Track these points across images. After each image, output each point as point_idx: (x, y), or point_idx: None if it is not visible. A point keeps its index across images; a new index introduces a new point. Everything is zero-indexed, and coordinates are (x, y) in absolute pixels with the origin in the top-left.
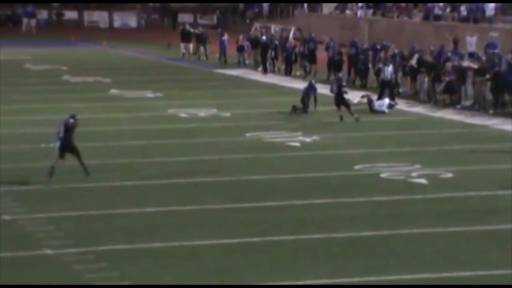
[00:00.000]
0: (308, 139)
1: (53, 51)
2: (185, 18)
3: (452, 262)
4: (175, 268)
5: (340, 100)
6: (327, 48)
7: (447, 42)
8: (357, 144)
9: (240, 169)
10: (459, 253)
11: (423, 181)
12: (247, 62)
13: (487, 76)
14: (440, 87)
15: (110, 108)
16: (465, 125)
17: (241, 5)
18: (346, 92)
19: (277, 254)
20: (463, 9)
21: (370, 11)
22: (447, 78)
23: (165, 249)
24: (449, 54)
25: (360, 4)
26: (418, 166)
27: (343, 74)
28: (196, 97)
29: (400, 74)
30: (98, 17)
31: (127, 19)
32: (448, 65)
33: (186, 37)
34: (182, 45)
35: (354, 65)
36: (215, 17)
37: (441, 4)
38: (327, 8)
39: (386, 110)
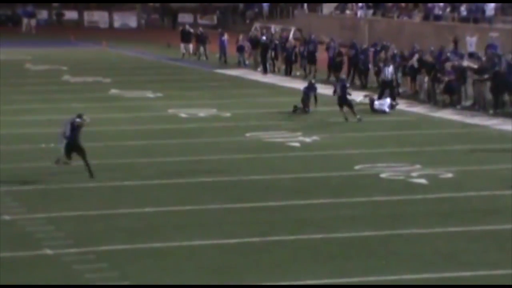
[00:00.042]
0: (308, 139)
1: (53, 51)
2: (185, 18)
3: (452, 262)
4: (175, 268)
5: (343, 101)
6: (327, 49)
7: (447, 42)
8: (357, 144)
9: (240, 169)
10: (459, 253)
11: (423, 181)
12: (247, 62)
13: (486, 76)
14: (440, 87)
15: (110, 108)
16: (465, 125)
17: (241, 5)
18: (350, 94)
19: (277, 254)
20: (463, 9)
21: (370, 11)
22: (446, 78)
23: (165, 249)
24: (449, 54)
25: (360, 4)
26: (418, 166)
27: (343, 74)
28: (196, 97)
29: (400, 74)
30: (98, 17)
31: (127, 19)
32: (448, 65)
33: (186, 37)
34: (182, 45)
35: (354, 66)
36: (215, 17)
37: (441, 4)
38: (327, 8)
39: (387, 110)
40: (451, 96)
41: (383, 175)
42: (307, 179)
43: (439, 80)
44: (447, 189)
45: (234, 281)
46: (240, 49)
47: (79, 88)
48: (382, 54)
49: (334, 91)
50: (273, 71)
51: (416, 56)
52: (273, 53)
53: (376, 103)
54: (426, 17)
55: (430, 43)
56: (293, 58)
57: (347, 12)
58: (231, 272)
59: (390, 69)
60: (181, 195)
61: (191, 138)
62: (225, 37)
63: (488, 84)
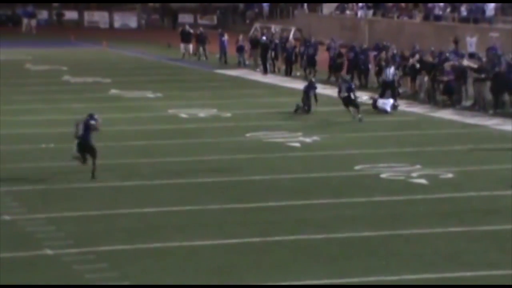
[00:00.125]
0: (308, 139)
1: (53, 51)
2: (185, 18)
3: (452, 263)
4: (175, 268)
5: (349, 101)
6: (328, 49)
7: (448, 43)
8: (357, 144)
9: (241, 169)
10: (459, 253)
11: (423, 181)
12: (247, 62)
13: (483, 75)
14: (440, 88)
15: (110, 108)
16: (465, 125)
17: (241, 5)
18: (357, 97)
19: (277, 254)
20: (463, 9)
21: (370, 12)
22: (445, 78)
23: (165, 249)
24: (447, 54)
25: (360, 5)
26: (418, 166)
27: (345, 75)
28: (196, 98)
29: (400, 74)
30: (98, 17)
31: (127, 19)
32: (447, 65)
33: (186, 37)
34: (182, 45)
35: (354, 67)
36: (215, 17)
37: (441, 4)
38: (327, 8)
39: (389, 109)
40: (450, 96)
41: (383, 175)
42: (307, 179)
43: (438, 80)
44: (447, 189)
45: (234, 281)
46: (240, 49)
47: (79, 88)
48: (383, 54)
49: (339, 92)
50: (273, 71)
51: (417, 57)
52: (273, 53)
53: (380, 101)
54: (426, 17)
55: (430, 43)
56: (293, 58)
57: (347, 12)
58: (231, 272)
59: (391, 70)
60: (181, 195)
61: (191, 138)
62: (225, 37)
63: (488, 84)
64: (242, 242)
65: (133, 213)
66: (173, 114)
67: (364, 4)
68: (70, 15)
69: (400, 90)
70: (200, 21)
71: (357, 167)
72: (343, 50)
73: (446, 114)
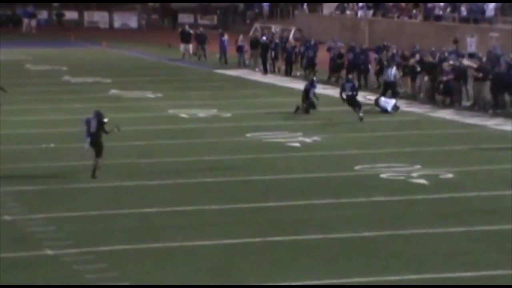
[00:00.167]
0: (308, 140)
1: (53, 52)
2: (185, 18)
3: (452, 263)
4: (175, 268)
5: (352, 101)
6: (328, 49)
7: (448, 43)
8: (357, 144)
9: (240, 169)
10: (459, 253)
11: (423, 181)
12: (247, 62)
13: (480, 74)
14: (439, 88)
15: (110, 108)
16: (465, 125)
17: (241, 5)
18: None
19: (277, 254)
20: (463, 9)
21: (371, 12)
22: (444, 78)
23: (165, 249)
24: (446, 54)
25: (360, 5)
26: (418, 166)
27: (343, 74)
28: (196, 98)
29: (400, 74)
30: (98, 17)
31: (127, 19)
32: (446, 65)
33: (186, 37)
34: (182, 45)
35: (353, 68)
36: (215, 18)
37: (441, 4)
38: (328, 8)
39: (390, 109)
40: (450, 96)
41: (383, 176)
42: (307, 179)
43: (438, 80)
44: (447, 189)
45: (234, 281)
46: (240, 49)
47: (79, 89)
48: (386, 54)
49: (341, 92)
50: (273, 72)
51: (417, 57)
52: (273, 54)
53: (382, 99)
54: (426, 18)
55: (431, 43)
56: (293, 58)
57: (347, 12)
58: (231, 272)
59: (393, 70)
60: (181, 195)
61: (191, 139)
62: (225, 37)
63: (488, 84)
64: (242, 242)
65: (133, 213)
66: (173, 114)
67: (364, 4)
68: (70, 15)
69: (400, 90)
70: (200, 21)
71: (357, 167)
72: (344, 50)
73: (446, 114)
